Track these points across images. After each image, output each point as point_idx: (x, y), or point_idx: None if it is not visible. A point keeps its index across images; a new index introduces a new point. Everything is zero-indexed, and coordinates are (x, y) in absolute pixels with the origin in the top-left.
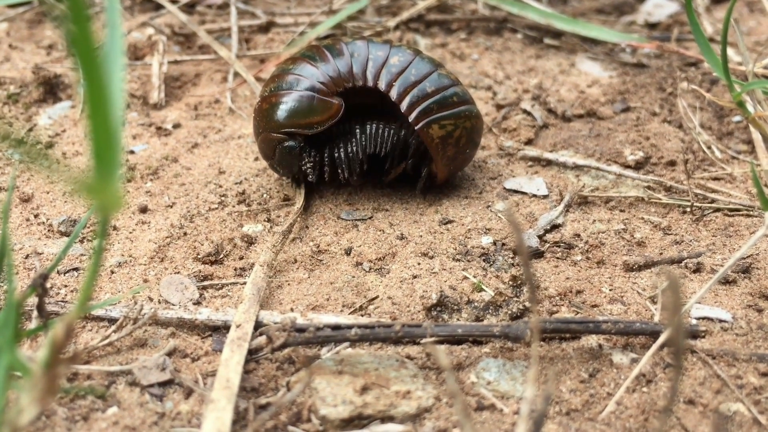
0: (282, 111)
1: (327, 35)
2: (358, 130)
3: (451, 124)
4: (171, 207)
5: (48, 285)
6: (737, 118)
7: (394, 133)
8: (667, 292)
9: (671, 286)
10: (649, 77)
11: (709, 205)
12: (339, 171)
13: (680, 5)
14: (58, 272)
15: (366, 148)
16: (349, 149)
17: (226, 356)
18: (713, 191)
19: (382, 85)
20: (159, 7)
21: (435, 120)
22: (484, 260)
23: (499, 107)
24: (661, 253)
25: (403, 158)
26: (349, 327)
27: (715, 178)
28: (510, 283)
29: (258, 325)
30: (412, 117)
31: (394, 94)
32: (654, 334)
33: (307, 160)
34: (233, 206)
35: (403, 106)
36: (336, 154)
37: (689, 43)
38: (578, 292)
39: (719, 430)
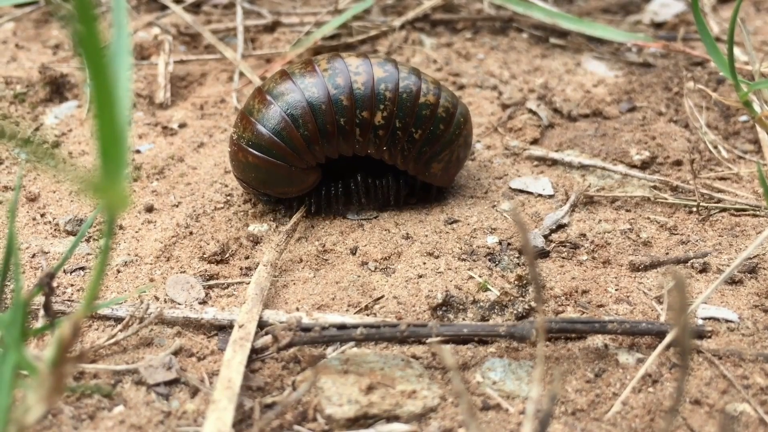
0: (253, 174)
1: (332, 35)
2: (351, 183)
3: (447, 153)
4: (177, 206)
5: (54, 284)
6: (744, 118)
7: (390, 185)
8: (673, 292)
9: (678, 286)
10: (655, 77)
11: (716, 204)
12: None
13: (686, 4)
14: (64, 271)
15: (360, 198)
16: (338, 200)
17: (229, 356)
18: (719, 191)
19: (371, 152)
20: (165, 7)
21: (432, 159)
22: (489, 260)
23: (504, 107)
24: (667, 253)
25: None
26: (355, 326)
27: (722, 178)
28: (515, 282)
29: (263, 325)
30: (410, 170)
31: (385, 157)
32: (660, 335)
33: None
34: (239, 206)
35: (398, 165)
36: (324, 202)
37: (695, 43)
38: (584, 292)
39: (726, 430)
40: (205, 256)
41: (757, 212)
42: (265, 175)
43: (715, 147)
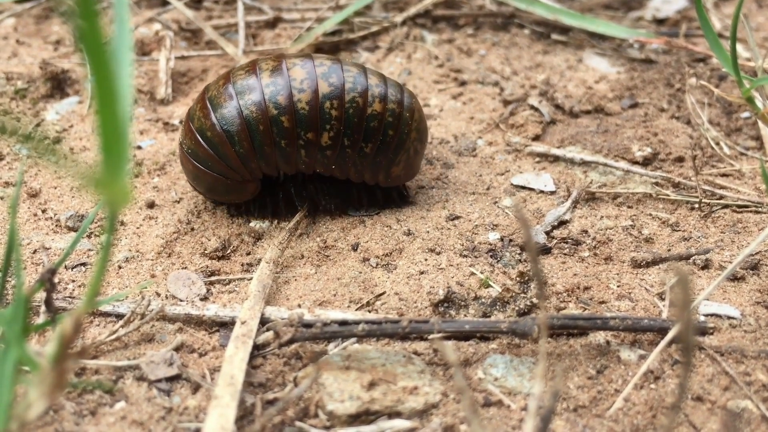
0: (195, 181)
1: (333, 31)
2: (302, 191)
3: (403, 154)
4: (178, 202)
5: (56, 280)
6: (746, 115)
7: (353, 194)
8: (676, 289)
9: (681, 283)
10: (657, 73)
11: (718, 201)
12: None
13: (688, 0)
14: (65, 267)
15: (307, 207)
16: (285, 207)
17: (231, 353)
18: (721, 187)
19: (319, 170)
20: (166, 2)
21: (390, 166)
22: (491, 256)
23: (506, 103)
24: (669, 250)
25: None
26: (357, 323)
27: (724, 175)
28: (517, 279)
29: (265, 321)
30: (367, 181)
31: (336, 174)
32: (662, 331)
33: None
34: None
35: (352, 179)
36: (270, 209)
37: (697, 39)
38: (586, 288)
39: (730, 428)
40: (206, 252)
41: (759, 209)
42: (205, 183)
43: (717, 143)
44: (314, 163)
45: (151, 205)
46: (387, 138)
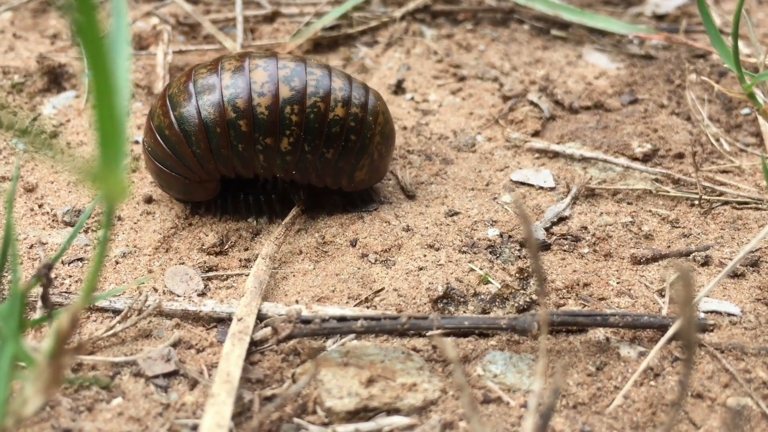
0: (156, 178)
1: (332, 26)
2: (261, 194)
3: (366, 158)
4: None
5: (52, 275)
6: (746, 111)
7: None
8: (678, 285)
9: (683, 279)
10: (657, 69)
11: (718, 198)
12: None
13: None
14: (62, 262)
15: (266, 210)
16: (248, 209)
17: (227, 350)
18: (721, 184)
19: (279, 175)
20: None
21: (353, 170)
22: (490, 252)
23: (505, 99)
24: (668, 246)
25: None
26: (355, 319)
27: (724, 171)
28: (517, 275)
29: (262, 317)
30: (330, 186)
31: (297, 179)
32: (662, 328)
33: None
34: None
35: (315, 183)
36: (230, 210)
37: (698, 35)
38: (585, 284)
39: (733, 427)
40: (204, 247)
41: (759, 205)
42: (165, 182)
43: (717, 140)
44: (273, 168)
45: (148, 200)
46: (349, 143)
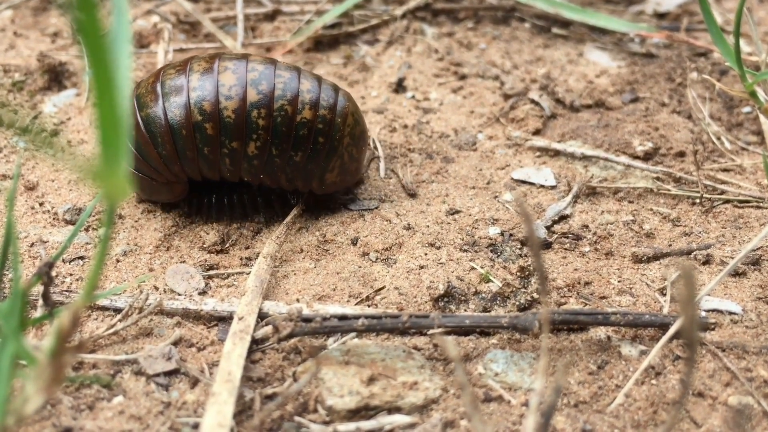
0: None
1: (333, 24)
2: (241, 198)
3: (336, 160)
4: None
5: (53, 273)
6: (747, 109)
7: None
8: (681, 284)
9: (685, 277)
10: (658, 67)
11: (719, 196)
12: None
13: None
14: (63, 261)
15: (236, 213)
16: (211, 212)
17: (228, 349)
18: (723, 182)
19: (247, 179)
20: None
21: (323, 173)
22: (491, 251)
23: (506, 97)
24: (670, 245)
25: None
26: (356, 317)
27: (725, 170)
28: (518, 274)
29: (263, 316)
30: (300, 189)
31: (267, 183)
32: (663, 326)
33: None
34: None
35: (285, 187)
36: (194, 210)
37: (699, 33)
38: (586, 283)
39: (736, 426)
40: (205, 246)
41: (761, 204)
42: (133, 182)
43: (719, 138)
44: (240, 172)
45: None
46: (318, 146)
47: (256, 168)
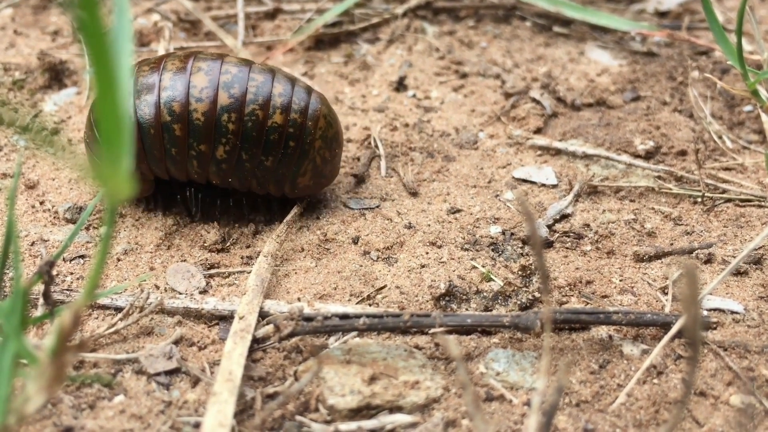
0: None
1: (334, 23)
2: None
3: (308, 163)
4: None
5: (54, 272)
6: (748, 108)
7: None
8: (684, 282)
9: (688, 276)
10: (660, 66)
11: (720, 195)
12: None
13: None
14: (64, 259)
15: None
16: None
17: (229, 348)
18: (724, 181)
19: (216, 182)
20: None
21: (295, 177)
22: (492, 250)
23: (507, 96)
24: (671, 244)
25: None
26: (357, 316)
27: (726, 168)
28: (519, 273)
29: (264, 315)
30: (273, 192)
31: (236, 186)
32: (665, 326)
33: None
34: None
35: (256, 191)
36: (161, 206)
37: (700, 32)
38: (588, 282)
39: (741, 425)
40: (205, 244)
41: (762, 203)
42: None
43: (720, 137)
44: (208, 175)
45: None
46: (289, 150)
47: (225, 171)
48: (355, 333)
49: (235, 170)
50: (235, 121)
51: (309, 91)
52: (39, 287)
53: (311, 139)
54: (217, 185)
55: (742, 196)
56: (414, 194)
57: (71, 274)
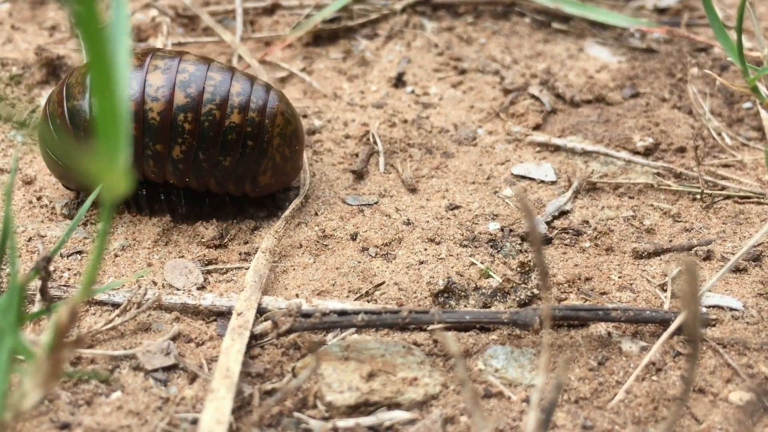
0: (49, 168)
1: (332, 18)
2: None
3: (267, 162)
4: None
5: (51, 268)
6: (747, 105)
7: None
8: (683, 279)
9: (688, 273)
10: (659, 62)
11: (720, 192)
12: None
13: None
14: (61, 255)
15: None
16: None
17: (227, 344)
18: (723, 178)
19: (173, 182)
20: None
21: (255, 176)
22: (491, 246)
23: (506, 92)
24: (670, 241)
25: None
26: (356, 313)
27: (726, 165)
28: (518, 269)
29: (262, 311)
30: (233, 192)
31: (194, 186)
32: (664, 322)
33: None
34: None
35: (215, 190)
36: (132, 204)
37: (699, 29)
38: (587, 279)
39: (742, 424)
40: (203, 240)
41: (761, 200)
42: (55, 171)
43: (719, 134)
44: (164, 174)
45: None
46: (247, 149)
47: (182, 172)
48: (353, 329)
49: (192, 170)
50: (191, 121)
51: (268, 88)
52: (36, 283)
53: (269, 137)
54: (175, 185)
55: (741, 193)
56: (412, 190)
57: (68, 270)
